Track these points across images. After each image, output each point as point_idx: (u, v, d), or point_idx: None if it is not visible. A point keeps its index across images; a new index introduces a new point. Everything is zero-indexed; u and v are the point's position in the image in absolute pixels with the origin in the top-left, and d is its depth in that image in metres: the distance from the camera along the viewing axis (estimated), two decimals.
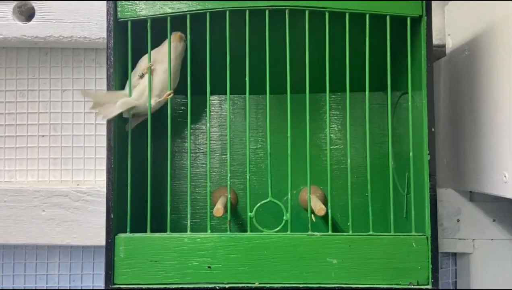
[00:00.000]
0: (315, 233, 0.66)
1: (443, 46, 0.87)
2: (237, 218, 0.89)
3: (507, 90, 0.64)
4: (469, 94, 0.75)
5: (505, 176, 0.65)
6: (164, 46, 0.71)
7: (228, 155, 0.68)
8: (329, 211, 0.67)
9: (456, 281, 0.94)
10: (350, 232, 0.66)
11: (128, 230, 0.67)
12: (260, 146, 0.90)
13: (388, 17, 0.67)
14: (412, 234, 0.66)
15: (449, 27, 0.85)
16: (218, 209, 0.69)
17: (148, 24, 0.68)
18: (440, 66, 0.87)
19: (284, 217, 0.67)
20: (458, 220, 0.87)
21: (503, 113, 0.64)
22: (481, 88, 0.71)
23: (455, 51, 0.82)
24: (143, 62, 0.71)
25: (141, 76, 0.70)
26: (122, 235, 0.66)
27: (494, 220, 0.87)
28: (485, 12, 0.71)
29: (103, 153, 0.96)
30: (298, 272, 0.65)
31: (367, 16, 0.67)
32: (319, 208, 0.70)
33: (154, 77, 0.70)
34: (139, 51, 0.72)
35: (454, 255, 0.94)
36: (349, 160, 0.68)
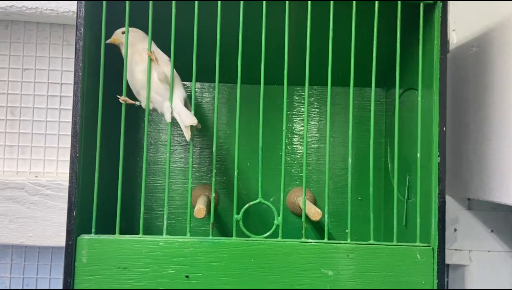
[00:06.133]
0: (309, 240, 0.58)
1: (447, 42, 0.81)
2: (218, 221, 0.80)
3: None
4: (476, 93, 0.70)
5: None
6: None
7: (214, 148, 0.59)
8: (326, 215, 0.60)
9: None
10: (349, 240, 0.59)
11: (93, 231, 0.57)
12: (245, 141, 0.81)
13: (399, 3, 0.60)
14: (417, 245, 0.59)
15: (455, 22, 0.80)
16: (200, 210, 0.61)
17: None
18: None
19: (275, 221, 0.59)
20: (455, 230, 0.82)
21: None
22: (492, 87, 0.66)
23: (461, 47, 0.77)
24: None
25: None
26: (85, 236, 0.57)
27: (492, 231, 0.82)
28: (498, 5, 0.66)
29: (67, 142, 0.85)
30: (289, 283, 0.57)
31: (377, 1, 0.60)
32: (314, 212, 0.63)
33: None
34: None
35: (447, 265, 0.88)
36: (350, 160, 0.60)
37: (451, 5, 0.81)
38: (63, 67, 0.87)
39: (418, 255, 0.58)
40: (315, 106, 0.83)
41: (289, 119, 0.83)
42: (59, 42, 0.87)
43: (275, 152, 0.82)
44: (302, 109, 0.82)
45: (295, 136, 0.83)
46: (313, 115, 0.83)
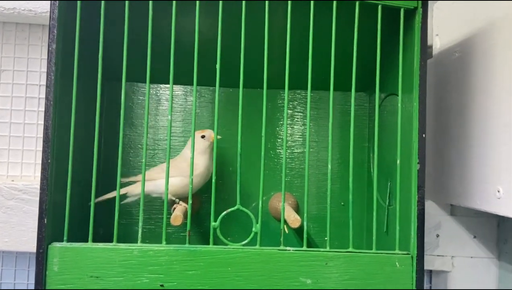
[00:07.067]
0: (288, 247, 0.57)
1: (430, 47, 0.81)
2: (198, 227, 0.79)
3: (506, 95, 0.58)
4: (459, 99, 0.69)
5: (498, 191, 0.59)
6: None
7: (192, 153, 0.58)
8: (305, 223, 0.59)
9: None
10: (328, 248, 0.58)
11: (65, 238, 0.56)
12: (227, 145, 0.80)
13: (380, 7, 0.59)
14: (396, 252, 0.58)
15: (438, 27, 0.79)
16: (177, 217, 0.60)
17: None
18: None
19: (253, 229, 0.58)
20: (437, 235, 0.81)
21: (501, 121, 0.58)
22: (474, 92, 0.65)
23: (444, 52, 0.76)
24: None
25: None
26: (57, 244, 0.55)
27: (475, 237, 0.81)
28: (481, 11, 0.65)
29: None
30: None
31: (357, 3, 0.59)
32: (293, 219, 0.62)
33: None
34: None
35: (430, 271, 0.88)
36: (329, 166, 0.59)
37: (435, 10, 0.81)
38: (41, 68, 0.85)
39: (397, 263, 0.58)
40: (299, 110, 0.82)
41: (273, 124, 0.81)
42: (38, 42, 0.85)
43: (260, 156, 0.80)
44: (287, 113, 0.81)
45: (279, 140, 0.82)
46: (296, 119, 0.82)
